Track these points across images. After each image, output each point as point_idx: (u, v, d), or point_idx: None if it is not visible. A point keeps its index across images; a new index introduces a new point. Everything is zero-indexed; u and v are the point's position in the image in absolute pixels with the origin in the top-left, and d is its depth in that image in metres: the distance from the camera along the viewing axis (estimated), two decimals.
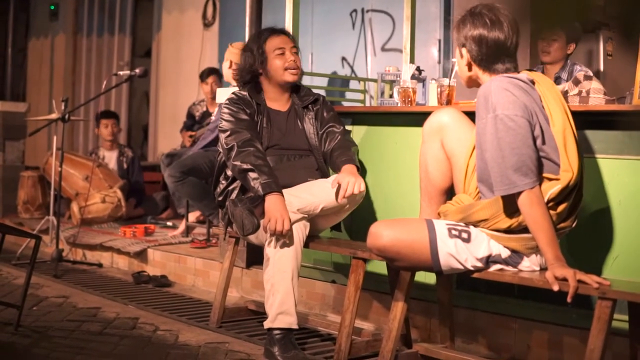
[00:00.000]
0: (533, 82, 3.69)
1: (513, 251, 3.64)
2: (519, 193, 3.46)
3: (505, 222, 3.59)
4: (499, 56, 3.75)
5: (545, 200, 3.51)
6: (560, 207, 3.57)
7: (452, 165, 4.03)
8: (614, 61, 7.58)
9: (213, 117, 7.12)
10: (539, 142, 3.55)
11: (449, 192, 4.11)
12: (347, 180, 4.46)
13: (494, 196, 3.60)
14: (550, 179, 3.54)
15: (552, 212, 3.53)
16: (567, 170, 3.53)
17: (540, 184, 3.51)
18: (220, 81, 8.36)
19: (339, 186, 4.48)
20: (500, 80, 3.61)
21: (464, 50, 3.82)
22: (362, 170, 4.96)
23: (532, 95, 3.60)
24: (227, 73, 7.05)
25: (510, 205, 3.55)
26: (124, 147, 9.78)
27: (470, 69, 3.84)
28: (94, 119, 10.38)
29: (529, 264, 3.65)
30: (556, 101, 3.65)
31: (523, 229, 3.57)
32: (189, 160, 6.80)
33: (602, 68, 7.59)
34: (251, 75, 4.88)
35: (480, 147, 3.63)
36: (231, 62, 7.01)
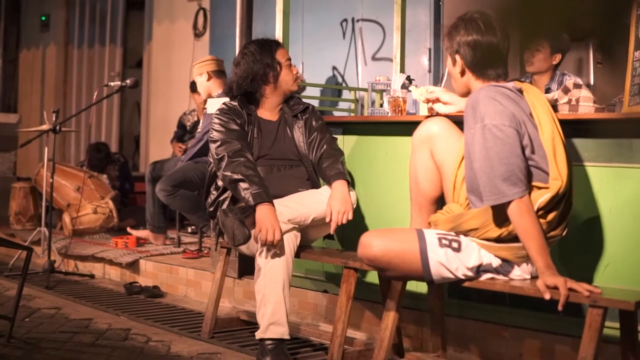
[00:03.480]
0: (521, 91, 3.69)
1: (504, 260, 3.64)
2: (509, 202, 3.47)
3: (496, 231, 3.59)
4: (493, 61, 3.76)
5: (535, 208, 3.51)
6: (550, 216, 3.58)
7: (441, 174, 4.03)
8: (604, 69, 7.59)
9: (200, 127, 7.13)
10: (527, 151, 3.55)
11: (439, 202, 4.12)
12: (337, 210, 4.52)
13: (483, 205, 3.60)
14: (539, 188, 3.55)
15: (541, 220, 3.54)
16: (557, 178, 3.54)
17: (529, 193, 3.51)
18: None
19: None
20: (487, 89, 3.61)
21: (457, 57, 3.82)
22: (352, 181, 4.97)
23: (520, 104, 3.60)
24: (207, 86, 7.07)
25: (500, 214, 3.55)
26: (114, 155, 9.81)
27: (463, 75, 3.84)
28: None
29: (520, 273, 3.65)
30: (544, 110, 3.66)
31: (513, 238, 3.57)
32: (178, 173, 6.80)
33: (592, 76, 7.61)
34: (254, 85, 4.86)
35: (469, 157, 3.63)
36: (209, 73, 7.03)
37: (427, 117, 4.27)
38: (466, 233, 3.67)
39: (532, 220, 3.45)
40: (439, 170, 4.03)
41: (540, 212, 3.53)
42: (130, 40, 12.78)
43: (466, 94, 3.92)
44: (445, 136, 4.02)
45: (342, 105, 7.95)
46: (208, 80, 7.10)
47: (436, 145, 4.02)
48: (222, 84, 6.99)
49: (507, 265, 3.64)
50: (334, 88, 8.46)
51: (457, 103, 4.11)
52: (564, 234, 3.70)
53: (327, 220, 4.53)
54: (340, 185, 4.60)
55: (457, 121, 4.08)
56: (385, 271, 3.81)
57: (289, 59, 4.94)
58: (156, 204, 7.37)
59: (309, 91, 7.96)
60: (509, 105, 3.54)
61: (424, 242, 3.66)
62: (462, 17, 3.83)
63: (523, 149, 3.52)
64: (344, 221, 4.52)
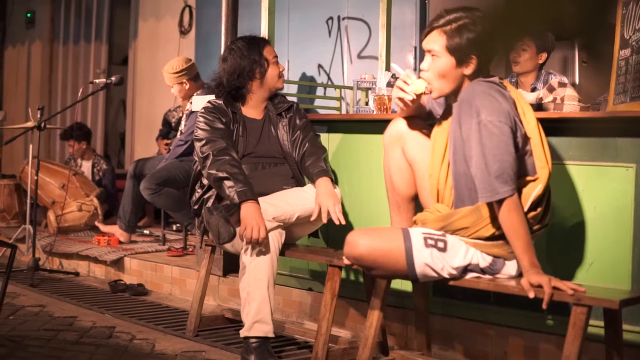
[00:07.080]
0: (505, 86, 3.68)
1: (495, 257, 3.63)
2: (498, 200, 3.46)
3: (488, 230, 3.58)
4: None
5: (529, 203, 3.52)
6: (540, 208, 3.58)
7: (414, 172, 4.02)
8: (589, 68, 7.61)
9: (182, 128, 7.11)
10: (520, 146, 3.53)
11: (416, 200, 4.11)
12: (327, 203, 4.49)
13: (471, 204, 3.60)
14: (530, 181, 3.54)
15: (532, 213, 3.55)
16: (544, 167, 3.54)
17: (523, 188, 3.51)
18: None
19: (319, 207, 4.51)
20: (481, 84, 3.59)
21: (472, 57, 3.66)
22: (336, 179, 4.97)
23: (508, 99, 3.59)
24: (186, 92, 7.08)
25: (493, 212, 3.55)
26: (99, 159, 9.76)
27: (472, 78, 3.71)
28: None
29: (507, 270, 3.64)
30: (525, 101, 3.67)
31: (504, 235, 3.56)
32: (163, 171, 6.78)
33: (577, 75, 7.62)
34: (241, 80, 4.86)
35: (461, 152, 3.61)
36: (186, 81, 7.06)
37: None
38: (456, 232, 3.66)
39: (520, 219, 3.45)
40: (412, 168, 4.02)
41: (532, 205, 3.53)
42: (116, 37, 12.72)
43: (450, 92, 3.85)
44: (415, 133, 4.01)
45: (327, 103, 7.94)
46: (188, 87, 7.13)
47: (407, 143, 4.01)
48: (200, 85, 7.08)
49: (496, 263, 3.63)
50: (319, 86, 8.44)
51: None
52: (548, 223, 3.69)
53: (313, 218, 4.52)
54: (324, 182, 4.59)
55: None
56: (371, 270, 3.81)
57: (276, 57, 4.95)
58: (133, 203, 7.36)
59: (294, 89, 7.94)
60: (503, 101, 3.52)
61: (409, 242, 3.64)
62: (474, 11, 3.65)
63: (516, 145, 3.51)
64: (339, 214, 4.50)
